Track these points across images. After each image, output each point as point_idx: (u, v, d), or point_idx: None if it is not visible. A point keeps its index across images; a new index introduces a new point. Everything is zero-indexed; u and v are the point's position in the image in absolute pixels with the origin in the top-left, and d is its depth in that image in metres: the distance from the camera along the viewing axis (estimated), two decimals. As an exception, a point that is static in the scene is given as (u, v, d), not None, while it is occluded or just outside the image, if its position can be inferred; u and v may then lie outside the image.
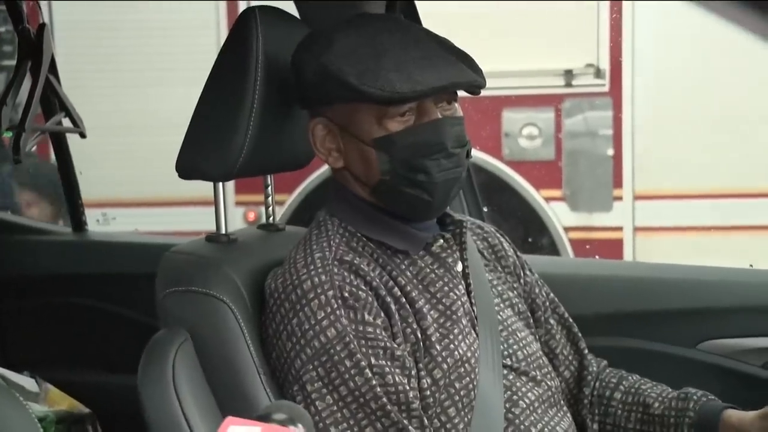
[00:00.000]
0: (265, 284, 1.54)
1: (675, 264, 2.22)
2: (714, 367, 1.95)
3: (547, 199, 4.89)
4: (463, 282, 1.58)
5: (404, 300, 1.50)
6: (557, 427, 1.59)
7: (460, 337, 1.52)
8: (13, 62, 2.37)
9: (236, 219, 4.95)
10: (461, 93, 1.55)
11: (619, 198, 4.78)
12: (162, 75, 5.07)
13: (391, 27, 1.54)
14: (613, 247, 4.77)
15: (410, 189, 1.50)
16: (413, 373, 1.46)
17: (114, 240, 2.80)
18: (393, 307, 1.48)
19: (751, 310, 1.97)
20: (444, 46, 1.54)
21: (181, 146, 1.62)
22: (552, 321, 1.76)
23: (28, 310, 2.67)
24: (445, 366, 1.49)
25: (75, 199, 2.75)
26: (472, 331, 1.55)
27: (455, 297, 1.55)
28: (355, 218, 1.56)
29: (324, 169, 4.69)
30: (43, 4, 2.95)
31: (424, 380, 1.47)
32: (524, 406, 1.56)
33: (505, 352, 1.59)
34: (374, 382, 1.42)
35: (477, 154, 4.61)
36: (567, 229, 4.87)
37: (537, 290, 1.76)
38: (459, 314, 1.54)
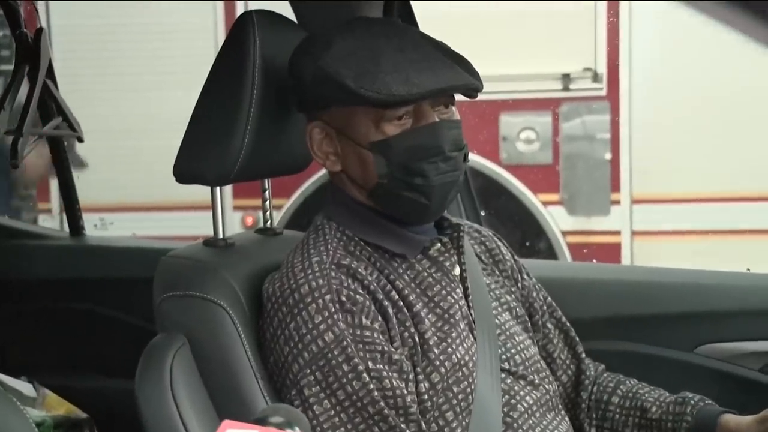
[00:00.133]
0: (262, 288, 1.53)
1: (672, 268, 2.22)
2: (712, 370, 1.95)
3: (545, 203, 4.88)
4: (460, 286, 1.58)
5: (402, 304, 1.50)
6: (555, 431, 1.58)
7: (458, 340, 1.52)
8: (11, 67, 2.37)
9: (234, 223, 4.94)
10: (459, 97, 1.55)
11: (617, 202, 4.78)
12: (160, 78, 5.07)
13: (389, 30, 1.54)
14: (611, 251, 4.77)
15: (408, 192, 1.50)
16: (411, 377, 1.46)
17: (112, 244, 2.80)
18: (391, 311, 1.48)
19: (748, 314, 1.97)
20: (441, 49, 1.54)
21: (178, 150, 1.62)
22: (549, 325, 1.76)
23: (26, 315, 2.67)
24: (442, 370, 1.48)
25: (73, 203, 2.75)
26: (470, 335, 1.55)
27: (453, 301, 1.54)
28: (353, 222, 1.56)
29: (322, 173, 4.68)
30: (41, 8, 2.94)
31: (422, 384, 1.47)
32: (522, 410, 1.56)
33: (503, 356, 1.59)
34: (372, 386, 1.42)
35: (474, 158, 4.61)
36: (564, 233, 4.86)
37: (535, 294, 1.75)
38: (457, 318, 1.53)
